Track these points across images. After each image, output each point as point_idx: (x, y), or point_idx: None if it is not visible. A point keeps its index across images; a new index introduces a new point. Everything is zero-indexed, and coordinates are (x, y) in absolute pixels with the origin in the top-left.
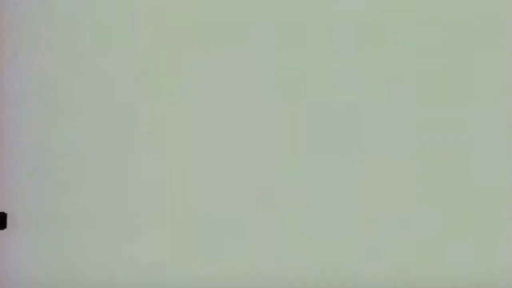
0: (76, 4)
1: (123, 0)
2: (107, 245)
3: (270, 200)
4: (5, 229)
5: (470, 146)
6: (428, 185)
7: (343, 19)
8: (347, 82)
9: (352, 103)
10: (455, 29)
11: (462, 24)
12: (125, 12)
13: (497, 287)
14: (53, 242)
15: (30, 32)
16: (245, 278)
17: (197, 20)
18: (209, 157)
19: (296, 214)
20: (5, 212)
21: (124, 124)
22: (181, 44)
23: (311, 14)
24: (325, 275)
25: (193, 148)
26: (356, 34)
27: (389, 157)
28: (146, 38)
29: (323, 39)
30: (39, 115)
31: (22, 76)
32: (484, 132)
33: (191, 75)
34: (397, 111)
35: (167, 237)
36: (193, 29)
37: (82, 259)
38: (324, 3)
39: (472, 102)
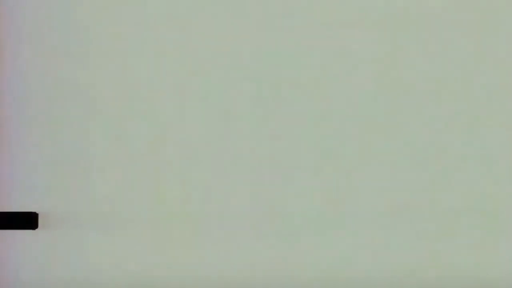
0: (77, 4)
1: (124, 1)
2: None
3: (271, 200)
4: (36, 229)
5: (473, 146)
6: (430, 184)
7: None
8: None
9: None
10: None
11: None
12: (126, 12)
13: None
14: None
15: (30, 32)
16: (245, 278)
17: (199, 26)
18: (210, 157)
19: (295, 214)
20: (36, 212)
21: (126, 123)
22: (183, 45)
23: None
24: (326, 276)
25: (194, 149)
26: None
27: (392, 157)
28: (147, 38)
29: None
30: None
31: (24, 76)
32: (484, 131)
33: (191, 75)
34: (399, 113)
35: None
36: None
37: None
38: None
39: (473, 102)
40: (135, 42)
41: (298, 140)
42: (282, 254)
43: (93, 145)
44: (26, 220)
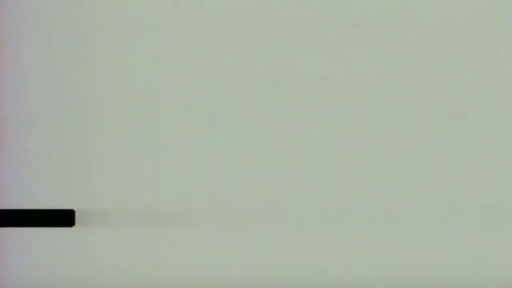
0: (77, 4)
1: (124, 1)
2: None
3: (271, 200)
4: (73, 227)
5: (474, 146)
6: (431, 185)
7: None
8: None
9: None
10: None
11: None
12: (126, 12)
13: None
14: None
15: (30, 32)
16: (245, 278)
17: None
18: (210, 157)
19: (295, 215)
20: (73, 209)
21: (127, 122)
22: (183, 45)
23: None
24: (326, 276)
25: (195, 148)
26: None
27: (393, 157)
28: (147, 38)
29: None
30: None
31: (24, 76)
32: (485, 131)
33: (193, 75)
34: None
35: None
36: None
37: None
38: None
39: (476, 102)
40: (135, 42)
41: (299, 141)
42: (282, 254)
43: (94, 145)
44: (64, 218)
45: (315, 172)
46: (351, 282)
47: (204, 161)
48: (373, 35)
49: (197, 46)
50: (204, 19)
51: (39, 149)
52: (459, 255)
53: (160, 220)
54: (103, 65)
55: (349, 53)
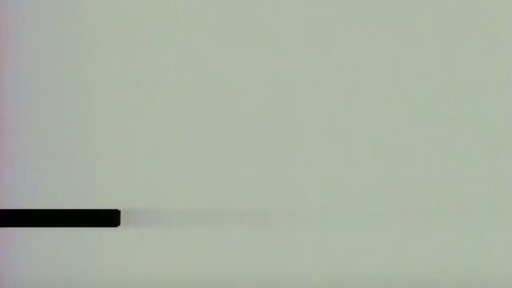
0: (77, 4)
1: (126, 1)
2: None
3: (271, 200)
4: (118, 227)
5: (474, 146)
6: (431, 184)
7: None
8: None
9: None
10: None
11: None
12: (127, 12)
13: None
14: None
15: (30, 32)
16: (245, 278)
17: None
18: (211, 156)
19: (296, 214)
20: (119, 209)
21: (127, 122)
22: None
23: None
24: (326, 276)
25: (196, 147)
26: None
27: (393, 157)
28: (147, 38)
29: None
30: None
31: (24, 76)
32: (486, 131)
33: (193, 72)
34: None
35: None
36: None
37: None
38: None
39: (476, 101)
40: (136, 42)
41: (299, 141)
42: (282, 254)
43: (94, 145)
44: (109, 218)
45: (315, 171)
46: (351, 282)
47: (207, 160)
48: (373, 35)
49: (198, 46)
50: (205, 19)
51: (39, 149)
52: (460, 255)
53: (161, 219)
54: (104, 65)
55: (350, 53)
